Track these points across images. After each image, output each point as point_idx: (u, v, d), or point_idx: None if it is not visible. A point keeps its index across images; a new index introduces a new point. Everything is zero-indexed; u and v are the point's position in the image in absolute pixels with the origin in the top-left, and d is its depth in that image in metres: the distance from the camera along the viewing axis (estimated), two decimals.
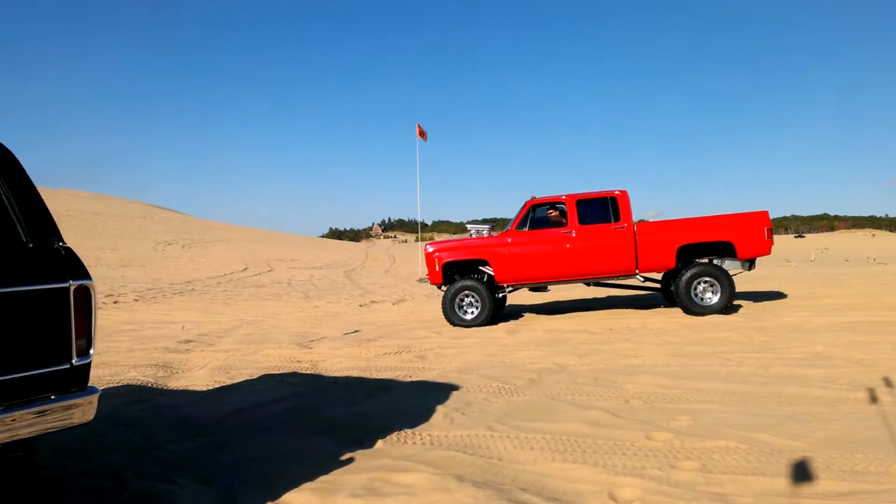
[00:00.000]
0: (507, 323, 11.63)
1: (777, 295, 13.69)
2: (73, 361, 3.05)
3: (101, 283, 20.57)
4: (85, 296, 3.11)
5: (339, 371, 7.59)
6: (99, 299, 16.69)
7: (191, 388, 6.91)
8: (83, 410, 3.03)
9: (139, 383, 7.11)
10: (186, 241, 41.19)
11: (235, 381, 7.16)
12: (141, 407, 6.00)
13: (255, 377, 7.31)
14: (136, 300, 17.37)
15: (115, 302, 16.80)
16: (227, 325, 12.73)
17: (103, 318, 13.74)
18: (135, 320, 13.59)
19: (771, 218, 11.34)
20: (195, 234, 48.32)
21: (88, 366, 3.13)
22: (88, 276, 3.14)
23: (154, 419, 5.57)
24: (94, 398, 3.07)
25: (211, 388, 6.87)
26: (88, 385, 3.12)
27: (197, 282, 23.40)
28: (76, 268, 3.11)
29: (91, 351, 3.14)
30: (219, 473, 4.20)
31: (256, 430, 5.15)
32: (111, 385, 7.03)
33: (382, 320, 13.03)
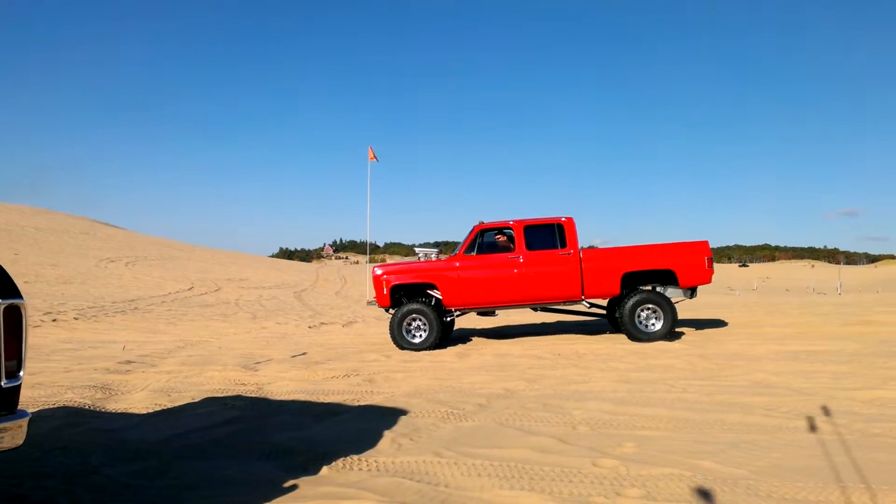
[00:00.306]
0: (456, 347, 11.61)
1: (720, 323, 14.00)
2: (2, 384, 2.91)
3: (39, 299, 19.86)
4: (15, 315, 2.98)
5: (285, 394, 7.44)
6: (37, 317, 16.12)
7: (130, 410, 6.68)
8: (12, 435, 2.89)
9: (76, 405, 6.84)
10: (130, 259, 40.16)
11: (177, 403, 6.95)
12: (77, 430, 5.77)
13: (197, 400, 7.11)
14: (75, 318, 16.81)
15: (54, 320, 16.23)
16: (170, 345, 12.41)
17: (41, 337, 13.26)
18: (74, 339, 13.14)
19: (713, 247, 11.70)
20: (140, 251, 47.15)
21: (18, 388, 2.99)
22: (19, 295, 3.01)
23: (91, 443, 5.35)
24: (24, 422, 2.93)
25: (151, 411, 6.65)
26: (18, 408, 2.98)
27: (140, 300, 22.79)
28: (6, 286, 2.98)
29: (21, 373, 3.00)
30: (157, 501, 4.04)
31: (198, 456, 4.99)
32: (46, 406, 6.75)
33: (332, 342, 12.88)
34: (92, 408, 6.76)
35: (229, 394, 7.49)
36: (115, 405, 6.92)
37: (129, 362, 9.91)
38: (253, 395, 7.45)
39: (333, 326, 16.75)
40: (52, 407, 6.75)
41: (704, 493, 3.94)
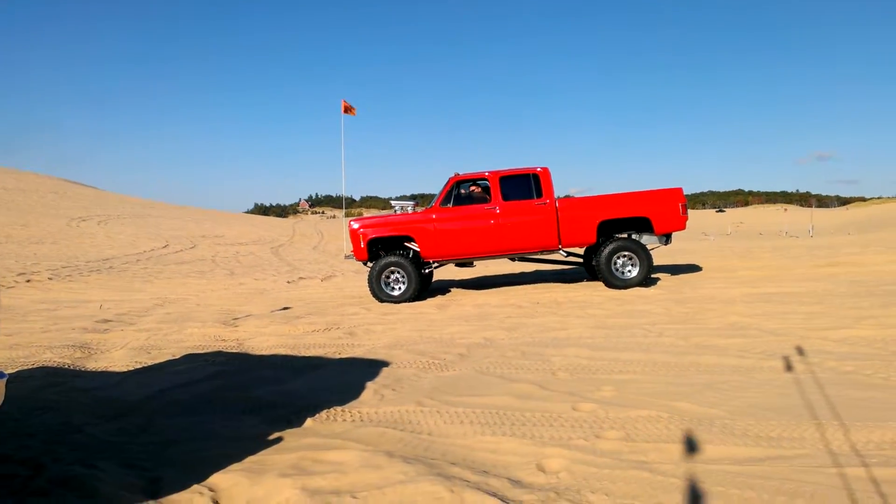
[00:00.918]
0: (436, 298, 11.66)
1: (695, 268, 14.18)
2: None
3: (11, 260, 19.53)
4: None
5: (266, 349, 7.44)
6: (10, 277, 15.88)
7: (110, 369, 6.65)
8: None
9: (55, 365, 6.78)
10: (102, 217, 39.52)
11: (157, 361, 6.92)
12: (57, 389, 5.73)
13: (177, 357, 7.08)
14: (50, 278, 16.58)
15: (28, 280, 15.99)
16: (147, 303, 12.31)
17: (15, 298, 13.08)
18: (49, 299, 12.98)
19: (687, 194, 11.79)
20: (112, 209, 46.40)
21: None
22: None
23: (71, 402, 5.32)
24: (2, 383, 2.89)
25: (131, 368, 6.62)
26: None
27: (115, 259, 22.51)
28: None
29: None
30: (141, 456, 4.04)
31: (180, 412, 4.99)
32: (25, 367, 6.69)
33: (311, 297, 12.86)
34: (72, 367, 6.71)
35: (209, 350, 7.47)
36: (95, 364, 6.88)
37: (106, 321, 9.83)
38: (233, 350, 7.44)
39: (312, 281, 16.71)
40: (30, 367, 6.68)
41: (682, 433, 4.02)
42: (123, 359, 7.08)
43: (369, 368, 6.19)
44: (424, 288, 12.13)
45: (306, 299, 12.46)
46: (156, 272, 19.28)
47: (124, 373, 6.44)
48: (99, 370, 6.60)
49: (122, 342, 8.11)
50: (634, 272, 11.25)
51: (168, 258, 23.86)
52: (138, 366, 6.74)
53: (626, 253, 11.27)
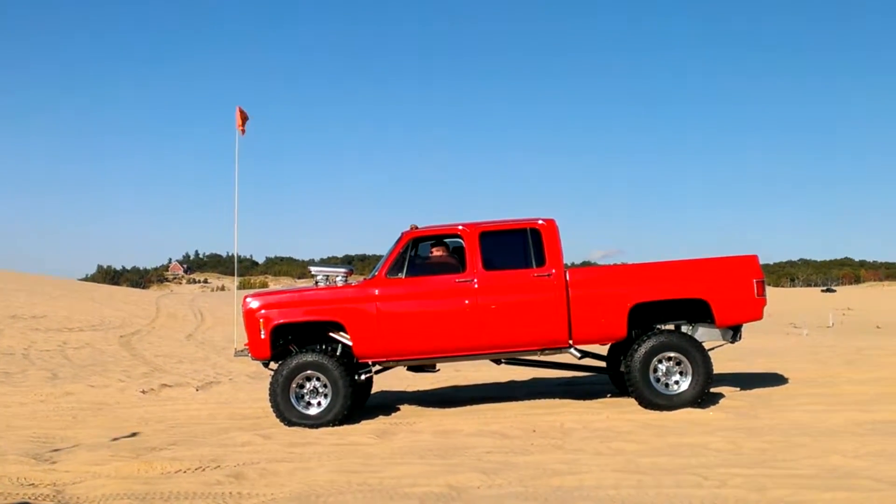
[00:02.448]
0: (376, 420, 11.57)
1: (777, 379, 14.25)
2: None
3: None
4: None
5: (99, 501, 7.29)
6: None
7: None
8: None
9: None
10: None
11: None
12: None
13: None
14: None
15: None
16: None
17: None
18: None
19: (766, 264, 11.92)
20: None
21: None
22: None
23: None
24: None
25: None
26: None
27: None
28: None
29: None
30: None
31: None
32: None
33: (178, 416, 12.68)
34: None
35: (9, 500, 7.30)
36: None
37: None
38: (48, 502, 7.26)
39: (182, 390, 16.47)
40: None
41: None
42: None
43: None
44: (358, 404, 12.00)
45: (171, 420, 12.26)
46: None
47: None
48: None
49: None
50: (684, 384, 11.24)
51: None
52: None
53: (673, 354, 11.27)
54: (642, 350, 11.22)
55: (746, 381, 13.89)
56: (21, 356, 23.13)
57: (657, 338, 11.30)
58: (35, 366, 21.25)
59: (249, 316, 11.63)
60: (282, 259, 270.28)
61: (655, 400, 11.15)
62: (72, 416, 12.99)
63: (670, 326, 11.68)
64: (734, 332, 11.63)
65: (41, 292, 47.24)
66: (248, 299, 11.84)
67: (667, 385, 11.28)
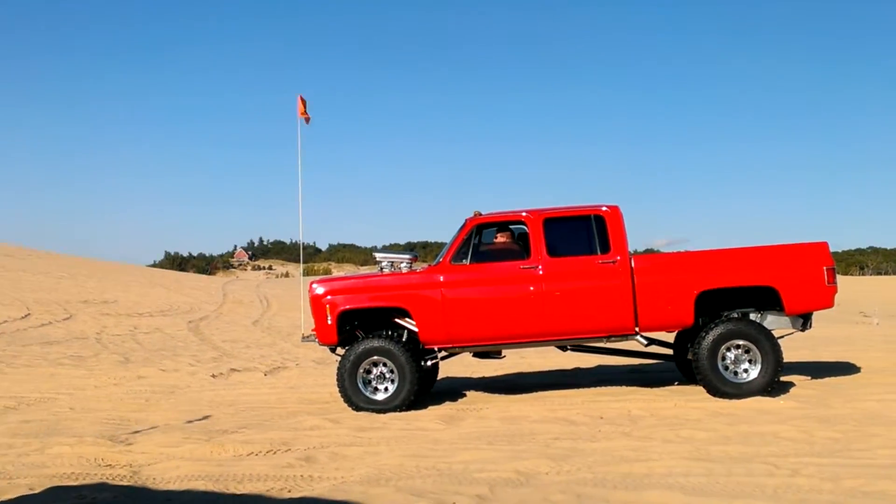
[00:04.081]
0: (442, 406, 11.59)
1: (849, 368, 14.05)
2: None
3: None
4: None
5: (174, 482, 7.39)
6: None
7: None
8: None
9: None
10: None
11: (6, 497, 6.89)
12: None
13: (37, 491, 7.06)
14: None
15: None
16: None
17: None
18: None
19: (836, 251, 11.70)
20: None
21: None
22: None
23: None
24: None
25: None
26: None
27: None
28: None
29: None
30: None
31: None
32: None
33: (247, 400, 12.82)
34: None
35: (88, 481, 7.44)
36: None
37: None
38: (125, 482, 7.39)
39: (250, 375, 16.67)
40: None
41: None
42: None
43: None
44: (425, 389, 12.04)
45: (240, 403, 12.40)
46: (9, 357, 19.32)
47: None
48: None
49: None
50: (753, 373, 11.11)
51: (29, 335, 23.93)
52: None
53: (741, 342, 11.14)
54: (710, 337, 11.11)
55: (817, 369, 13.70)
56: (94, 340, 23.58)
57: (725, 325, 11.18)
58: (107, 350, 21.64)
59: (316, 302, 11.72)
60: (344, 246, 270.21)
61: (724, 388, 11.04)
62: (144, 398, 13.20)
63: (738, 314, 11.55)
64: (804, 321, 11.47)
65: (111, 278, 48.07)
66: (315, 285, 11.93)
67: (735, 373, 11.16)
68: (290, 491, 6.97)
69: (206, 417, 10.97)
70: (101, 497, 6.81)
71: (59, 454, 8.59)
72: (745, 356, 11.16)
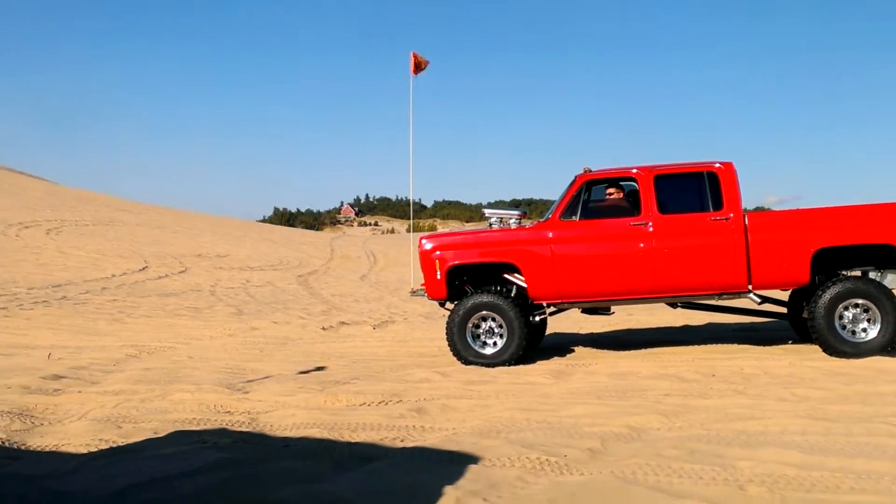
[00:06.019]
0: (551, 361, 11.58)
1: None
2: None
3: None
4: None
5: (291, 429, 7.53)
6: None
7: (63, 448, 6.85)
8: None
9: None
10: (54, 223, 41.05)
11: (132, 440, 7.09)
12: None
13: (161, 435, 7.25)
14: None
15: None
16: (116, 353, 12.69)
17: None
18: None
19: None
20: (67, 212, 48.18)
21: None
22: None
23: (6, 497, 5.50)
24: None
25: (95, 449, 6.80)
26: None
27: (70, 286, 23.32)
28: None
29: None
30: None
31: None
32: None
33: (358, 353, 12.98)
34: (8, 444, 6.95)
35: (208, 426, 7.62)
36: (42, 440, 7.10)
37: (58, 377, 10.16)
38: (244, 428, 7.56)
39: (359, 328, 16.88)
40: None
41: None
42: (83, 434, 7.28)
43: (449, 466, 6.16)
44: (533, 345, 12.06)
45: (351, 356, 12.57)
46: (129, 307, 19.88)
47: (84, 455, 6.62)
48: (47, 450, 6.81)
49: (81, 410, 8.35)
50: (872, 332, 10.85)
51: (147, 287, 24.59)
52: (104, 446, 6.91)
53: (860, 301, 10.88)
54: (827, 296, 10.86)
55: None
56: (209, 293, 24.14)
57: (843, 284, 10.91)
58: (222, 302, 22.15)
59: (425, 257, 11.80)
60: (449, 203, 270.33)
61: (841, 347, 10.80)
62: (258, 349, 13.48)
63: (857, 272, 11.28)
64: None
65: (224, 233, 49.03)
66: (424, 241, 12.01)
67: (853, 332, 10.90)
68: (402, 441, 7.05)
69: (318, 369, 11.14)
70: (222, 442, 6.97)
71: (180, 400, 8.83)
72: (864, 315, 10.89)
